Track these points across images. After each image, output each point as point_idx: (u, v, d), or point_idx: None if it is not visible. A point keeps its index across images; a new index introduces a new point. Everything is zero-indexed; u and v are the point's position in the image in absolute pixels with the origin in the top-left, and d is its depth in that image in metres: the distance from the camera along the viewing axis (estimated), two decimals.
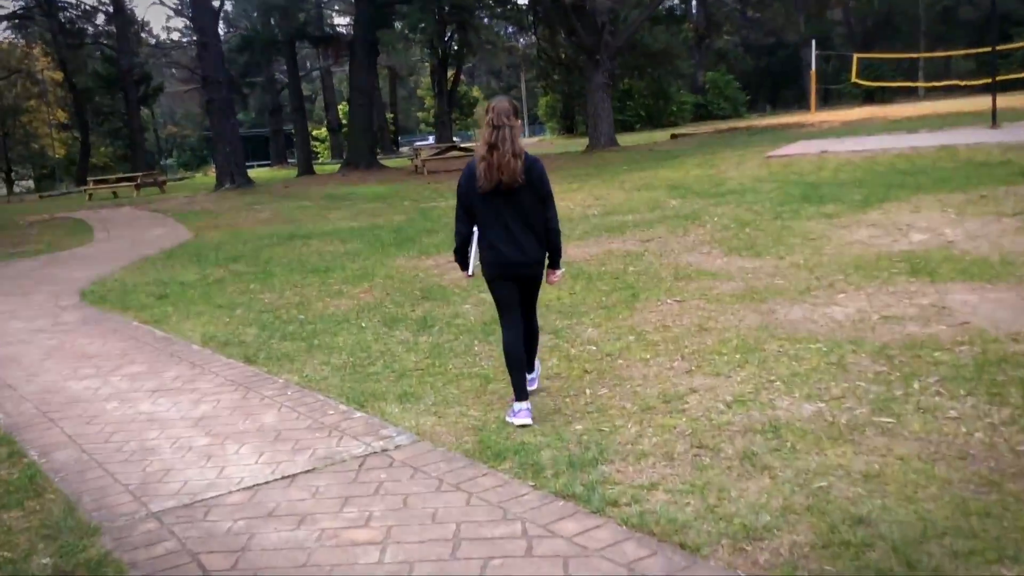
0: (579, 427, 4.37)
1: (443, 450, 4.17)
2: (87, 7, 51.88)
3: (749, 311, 6.37)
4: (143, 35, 56.41)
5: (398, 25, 27.82)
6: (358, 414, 4.76)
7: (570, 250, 9.61)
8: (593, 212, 13.01)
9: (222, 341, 6.76)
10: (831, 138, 21.08)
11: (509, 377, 4.56)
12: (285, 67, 35.97)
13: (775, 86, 75.79)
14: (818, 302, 6.47)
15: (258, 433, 4.53)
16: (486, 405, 4.84)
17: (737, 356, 5.28)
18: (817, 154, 16.43)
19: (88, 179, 34.25)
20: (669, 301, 6.91)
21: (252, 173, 46.71)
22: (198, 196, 25.15)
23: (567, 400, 4.81)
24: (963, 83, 39.55)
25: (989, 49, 20.83)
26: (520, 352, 4.56)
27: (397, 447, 4.20)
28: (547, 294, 7.35)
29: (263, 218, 17.08)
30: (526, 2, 35.65)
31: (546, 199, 4.48)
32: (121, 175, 34.37)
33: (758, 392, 4.63)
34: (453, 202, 14.38)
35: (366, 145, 31.08)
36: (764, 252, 8.47)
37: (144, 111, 77.48)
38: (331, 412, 4.79)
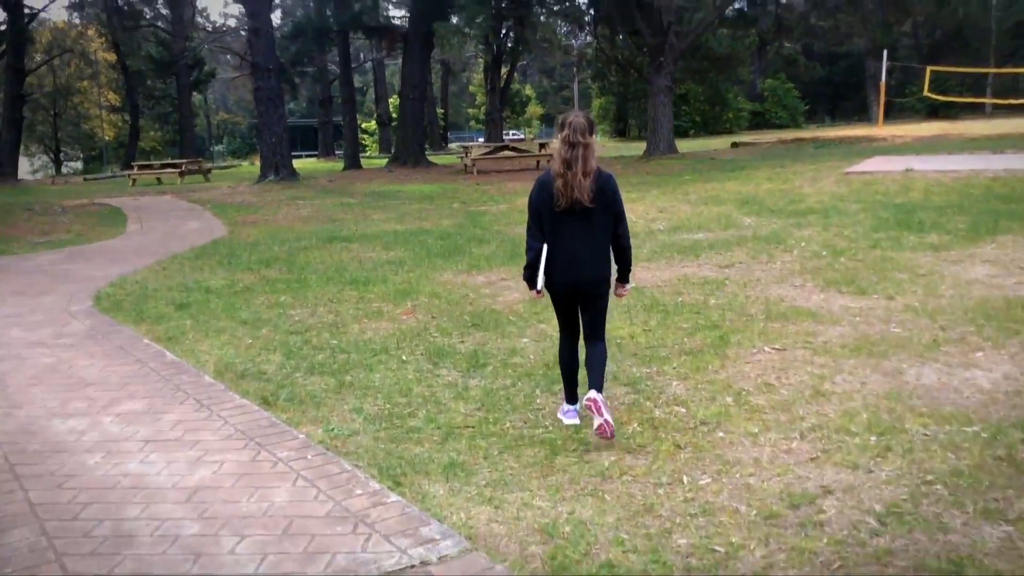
0: (682, 541, 3.30)
1: (503, 568, 3.13)
2: None
3: (870, 369, 5.24)
4: (199, 20, 56.29)
5: (454, 19, 26.77)
6: (392, 497, 3.73)
7: (639, 272, 8.52)
8: (659, 227, 11.90)
9: (239, 372, 5.78)
10: (908, 155, 19.71)
11: (563, 382, 4.71)
12: (338, 57, 35.16)
13: (835, 96, 73.70)
14: (952, 361, 5.32)
15: (264, 520, 3.52)
16: (554, 490, 3.79)
17: (873, 439, 4.17)
18: (901, 172, 15.14)
19: (133, 164, 33.78)
20: (767, 349, 5.80)
21: (298, 164, 46.14)
22: (241, 187, 24.44)
23: (660, 492, 3.74)
24: None
25: None
26: (576, 362, 4.65)
27: (441, 558, 3.17)
28: (619, 330, 6.30)
29: (303, 215, 16.20)
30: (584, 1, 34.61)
31: (619, 217, 4.40)
32: (165, 161, 33.87)
33: (916, 501, 3.52)
34: (503, 207, 13.30)
35: (415, 141, 30.21)
36: (869, 289, 7.31)
37: (196, 96, 77.85)
38: (359, 491, 3.77)
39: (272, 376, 5.69)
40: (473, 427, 4.63)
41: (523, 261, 4.52)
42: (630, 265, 4.62)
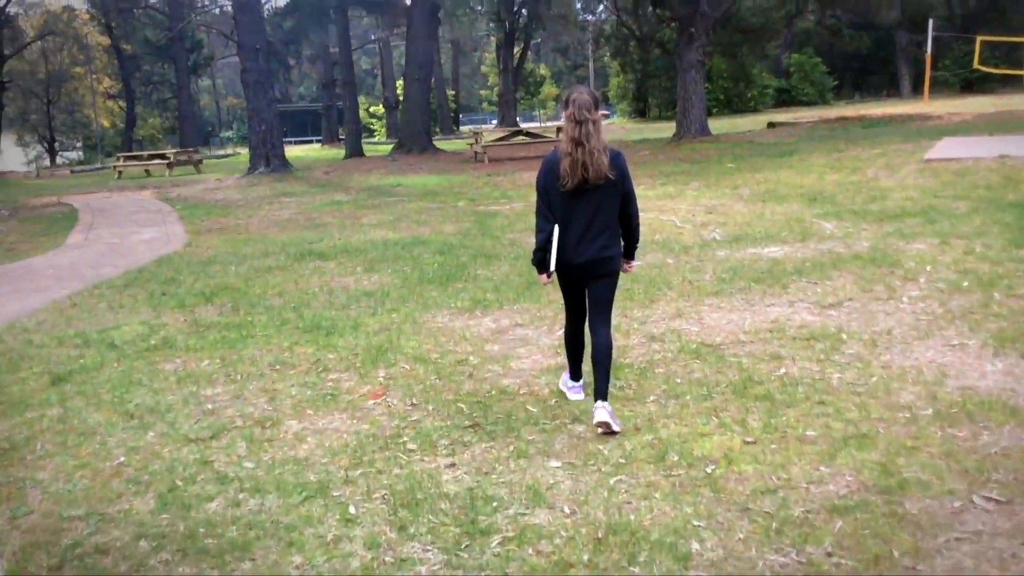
0: None
1: None
2: None
3: None
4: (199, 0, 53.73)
5: None
6: None
7: (703, 313, 6.08)
8: (714, 235, 9.39)
9: (62, 549, 3.37)
10: (979, 134, 17.09)
11: (566, 357, 4.74)
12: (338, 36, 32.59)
13: (863, 71, 70.50)
14: None
15: None
16: None
17: None
18: (995, 159, 12.57)
19: (118, 155, 31.43)
20: (977, 502, 3.33)
21: (300, 151, 43.73)
22: (229, 180, 22.09)
23: None
24: None
25: None
26: (582, 343, 4.59)
27: None
28: (704, 442, 3.87)
29: (283, 219, 13.76)
30: None
31: (628, 196, 4.29)
32: (153, 152, 31.50)
33: None
34: (518, 205, 10.34)
35: (421, 126, 27.68)
36: None
37: (205, 81, 75.35)
38: None
39: (114, 559, 3.27)
40: None
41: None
42: (637, 242, 4.53)
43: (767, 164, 15.79)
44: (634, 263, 4.66)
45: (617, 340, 5.69)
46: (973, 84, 50.91)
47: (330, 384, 5.24)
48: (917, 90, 59.03)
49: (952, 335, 5.32)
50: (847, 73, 67.52)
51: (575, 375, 4.76)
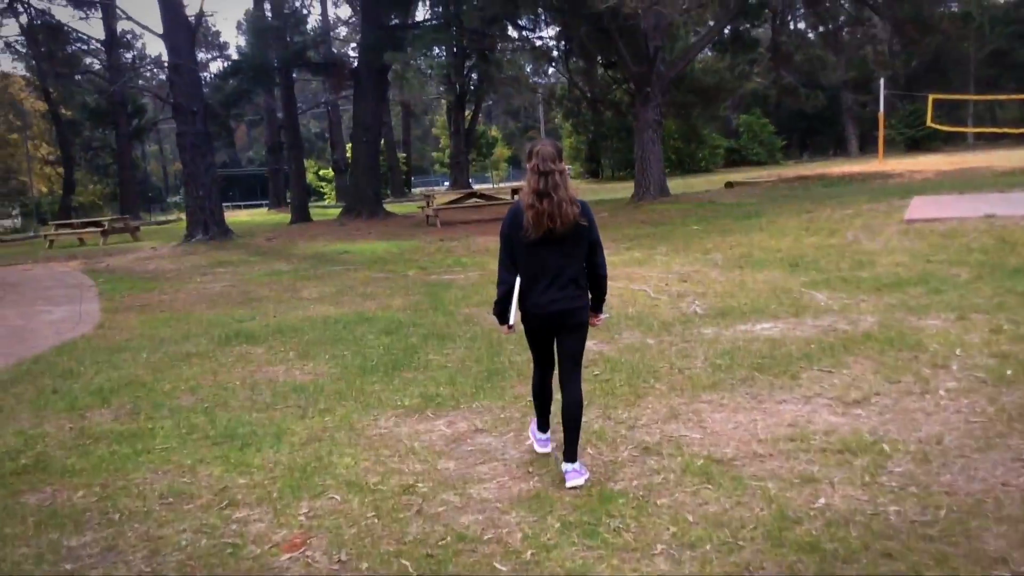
0: None
1: None
2: (80, 35, 48.12)
3: None
4: (139, 65, 52.45)
5: (409, 49, 23.30)
6: None
7: (703, 413, 4.98)
8: (695, 309, 8.37)
9: None
10: (948, 193, 16.51)
11: (534, 407, 4.67)
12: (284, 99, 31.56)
13: (809, 131, 71.48)
14: None
15: None
16: None
17: None
18: (981, 219, 11.83)
19: (51, 223, 29.83)
20: None
21: (245, 216, 42.36)
22: (163, 249, 20.68)
23: None
24: None
25: None
26: (550, 395, 4.57)
27: None
28: None
29: (214, 292, 12.48)
30: (552, 35, 31.41)
31: (595, 245, 4.20)
32: (87, 220, 29.95)
33: None
34: (473, 274, 8.21)
35: (370, 189, 26.60)
36: None
37: (153, 146, 73.78)
38: None
39: None
40: None
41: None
42: (605, 294, 4.40)
43: (735, 226, 14.96)
44: (602, 316, 4.49)
45: (603, 454, 4.56)
46: (919, 142, 51.68)
47: (234, 528, 4.01)
48: (864, 149, 59.91)
49: (1019, 444, 4.28)
50: (794, 133, 68.51)
51: (543, 426, 4.69)
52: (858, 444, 4.44)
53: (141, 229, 29.99)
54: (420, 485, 4.36)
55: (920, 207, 14.03)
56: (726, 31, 23.22)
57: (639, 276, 10.79)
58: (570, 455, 4.25)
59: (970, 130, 44.80)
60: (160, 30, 21.06)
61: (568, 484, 4.17)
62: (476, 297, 10.25)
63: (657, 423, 5.05)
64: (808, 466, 4.23)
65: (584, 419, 4.69)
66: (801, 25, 38.77)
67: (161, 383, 6.92)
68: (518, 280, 4.18)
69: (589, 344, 7.11)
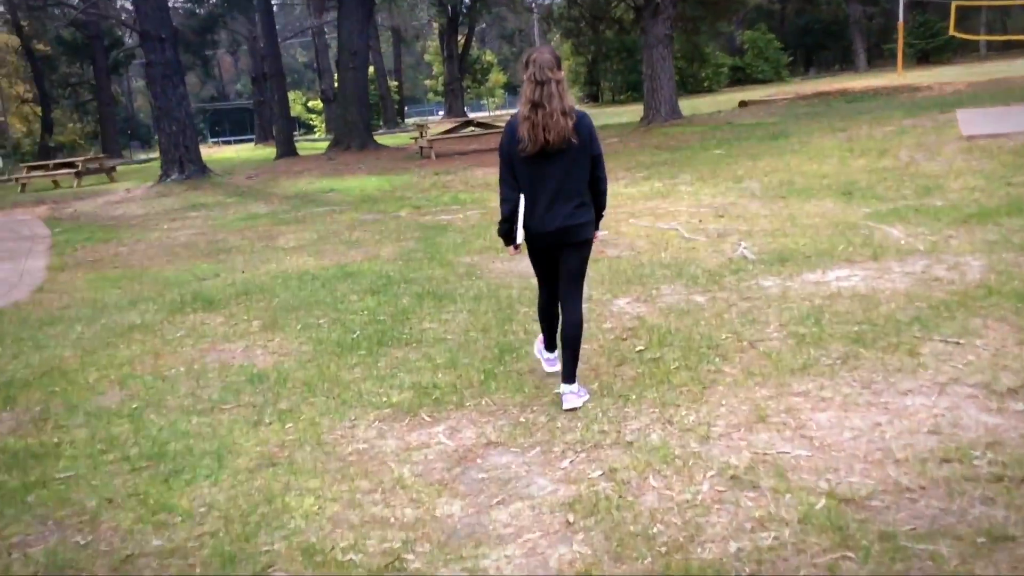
0: None
1: None
2: None
3: None
4: None
5: None
6: None
7: (801, 412, 3.54)
8: (741, 252, 6.90)
9: None
10: (992, 105, 14.89)
11: (540, 326, 4.48)
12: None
13: (815, 47, 68.97)
14: None
15: None
16: None
17: None
18: None
19: (22, 165, 28.12)
20: None
21: (232, 151, 40.51)
22: (137, 191, 19.11)
23: None
24: None
25: None
26: (553, 312, 4.31)
27: None
28: None
29: (180, 242, 11.00)
30: None
31: (597, 159, 3.97)
32: (60, 160, 28.26)
33: None
34: (473, 213, 6.87)
35: (360, 120, 24.80)
36: None
37: (138, 83, 71.07)
38: None
39: None
40: None
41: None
42: (604, 209, 4.17)
43: (764, 149, 13.38)
44: (599, 233, 4.25)
45: (673, 488, 3.15)
46: (930, 55, 49.41)
47: None
48: (871, 63, 57.62)
49: None
50: (799, 49, 66.05)
51: (550, 345, 4.52)
52: None
53: (117, 169, 28.25)
54: (410, 555, 2.96)
55: (972, 121, 12.43)
56: None
57: (665, 211, 9.28)
58: (569, 375, 4.10)
59: (991, 38, 42.65)
60: None
61: (565, 406, 4.03)
62: (478, 242, 8.77)
63: (740, 431, 3.63)
64: (988, 510, 2.82)
65: (636, 424, 3.60)
66: None
67: (87, 371, 5.49)
68: (522, 197, 3.96)
69: (622, 304, 5.67)
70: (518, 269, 7.16)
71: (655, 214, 9.17)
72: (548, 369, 4.52)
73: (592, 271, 6.23)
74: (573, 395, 4.06)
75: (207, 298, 7.30)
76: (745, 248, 7.06)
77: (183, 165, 19.45)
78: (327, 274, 7.89)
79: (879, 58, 60.70)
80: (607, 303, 5.89)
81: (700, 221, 8.55)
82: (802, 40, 66.59)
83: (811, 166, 10.94)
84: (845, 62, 65.75)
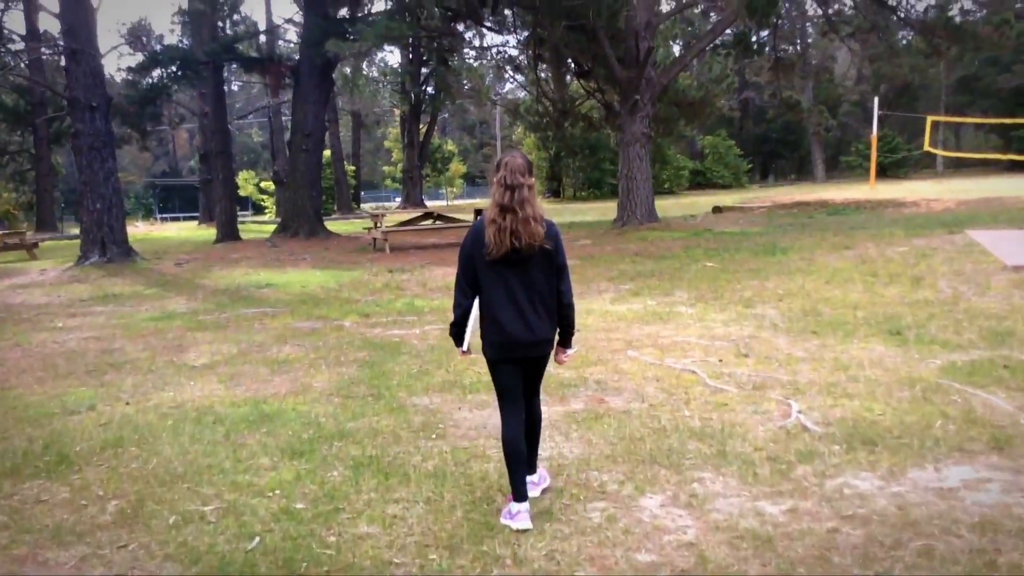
0: None
1: None
2: None
3: None
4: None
5: (361, 32, 19.55)
6: None
7: None
8: (799, 419, 5.08)
9: None
10: (996, 227, 13.65)
11: (508, 474, 3.90)
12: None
13: (771, 155, 69.63)
14: None
15: None
16: None
17: None
18: None
19: None
20: None
21: (170, 230, 38.32)
22: (51, 273, 16.94)
23: None
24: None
25: None
26: (523, 448, 3.93)
27: None
28: None
29: (67, 347, 8.90)
30: (517, 41, 28.07)
31: (561, 268, 3.86)
32: None
33: None
34: (433, 327, 5.76)
35: (310, 204, 23.01)
36: None
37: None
38: None
39: None
40: None
41: None
42: (573, 325, 4.00)
43: (761, 264, 11.80)
44: (569, 351, 4.06)
45: None
46: (887, 169, 49.50)
47: None
48: (828, 174, 57.95)
49: None
50: (757, 157, 66.55)
51: (520, 494, 3.85)
52: None
53: (40, 245, 25.92)
54: None
55: (1004, 248, 11.00)
56: (728, 32, 20.25)
57: (671, 342, 7.49)
58: (531, 466, 4.09)
59: (968, 155, 42.89)
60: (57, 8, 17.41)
61: (515, 527, 3.72)
62: (439, 373, 6.88)
63: None
64: None
65: None
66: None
67: None
68: (476, 304, 3.84)
69: (653, 508, 3.83)
70: (491, 424, 5.30)
71: (659, 345, 7.38)
72: (518, 527, 3.77)
73: (596, 435, 4.89)
74: (534, 486, 4.07)
75: (62, 450, 5.24)
76: (799, 413, 5.25)
77: (105, 247, 17.35)
78: (236, 415, 5.88)
79: (834, 169, 61.29)
80: (630, 503, 4.02)
81: (720, 360, 6.77)
82: (760, 148, 67.22)
83: (833, 292, 9.30)
84: (802, 172, 66.37)
